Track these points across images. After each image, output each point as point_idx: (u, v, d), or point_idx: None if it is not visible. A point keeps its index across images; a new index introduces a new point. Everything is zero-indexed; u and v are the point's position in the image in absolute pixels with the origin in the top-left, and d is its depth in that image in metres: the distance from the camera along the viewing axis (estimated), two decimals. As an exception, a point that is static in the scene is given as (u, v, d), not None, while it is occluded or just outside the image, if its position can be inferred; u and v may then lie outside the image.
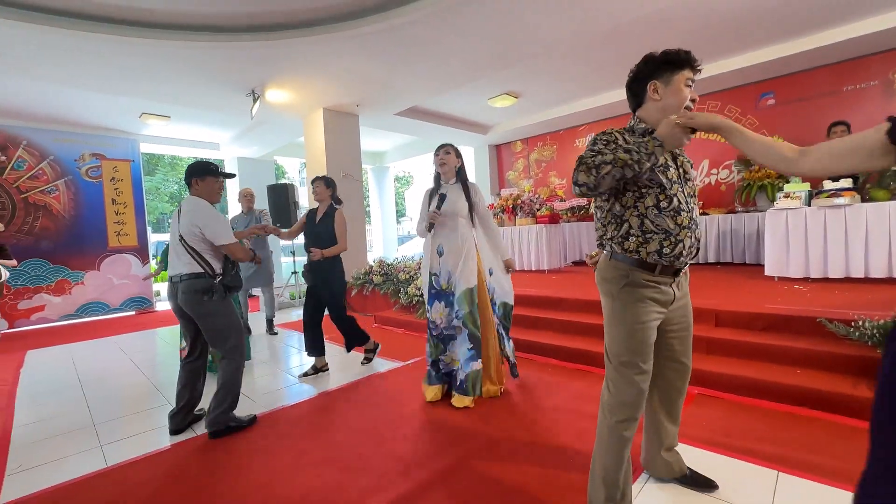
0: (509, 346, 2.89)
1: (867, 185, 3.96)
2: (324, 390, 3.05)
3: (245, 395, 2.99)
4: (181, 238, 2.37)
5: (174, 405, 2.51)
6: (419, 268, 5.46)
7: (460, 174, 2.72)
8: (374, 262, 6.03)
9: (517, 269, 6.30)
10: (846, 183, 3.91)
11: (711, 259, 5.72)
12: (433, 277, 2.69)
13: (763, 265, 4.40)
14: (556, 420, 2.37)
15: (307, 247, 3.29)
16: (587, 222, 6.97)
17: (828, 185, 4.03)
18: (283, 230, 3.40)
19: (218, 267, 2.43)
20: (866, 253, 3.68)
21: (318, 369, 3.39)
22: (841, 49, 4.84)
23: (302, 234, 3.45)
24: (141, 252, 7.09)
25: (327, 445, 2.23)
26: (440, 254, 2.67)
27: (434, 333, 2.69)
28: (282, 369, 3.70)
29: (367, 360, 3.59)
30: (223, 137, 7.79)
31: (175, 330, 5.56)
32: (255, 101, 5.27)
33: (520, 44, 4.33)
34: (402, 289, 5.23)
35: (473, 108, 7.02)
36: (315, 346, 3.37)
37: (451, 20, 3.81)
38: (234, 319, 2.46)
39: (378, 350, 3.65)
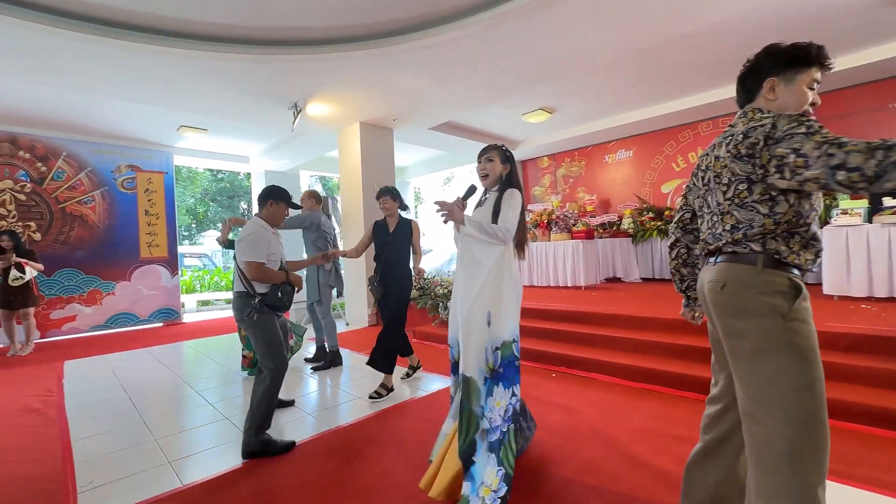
0: (495, 468, 1.71)
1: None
2: (384, 407, 2.95)
3: (306, 412, 2.90)
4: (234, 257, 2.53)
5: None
6: (457, 282, 5.38)
7: (507, 181, 2.08)
8: (408, 275, 5.96)
9: (550, 284, 6.22)
10: (909, 199, 3.82)
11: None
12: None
13: (815, 284, 4.28)
14: (647, 442, 2.25)
15: (378, 259, 3.27)
16: (620, 238, 6.89)
17: (888, 201, 3.94)
18: (346, 250, 3.33)
19: (262, 287, 2.44)
20: (936, 271, 3.56)
21: (389, 389, 3.16)
22: (887, 66, 4.81)
23: (371, 246, 3.43)
24: (170, 263, 7.09)
25: (405, 465, 2.12)
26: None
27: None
28: (336, 384, 3.60)
29: (408, 375, 3.58)
30: (254, 150, 7.85)
31: (208, 342, 5.50)
32: (297, 114, 5.30)
33: (566, 58, 4.34)
34: (441, 304, 5.15)
35: (506, 123, 7.03)
36: (389, 361, 3.17)
37: (502, 33, 3.81)
38: (272, 338, 2.41)
39: (419, 368, 3.64)
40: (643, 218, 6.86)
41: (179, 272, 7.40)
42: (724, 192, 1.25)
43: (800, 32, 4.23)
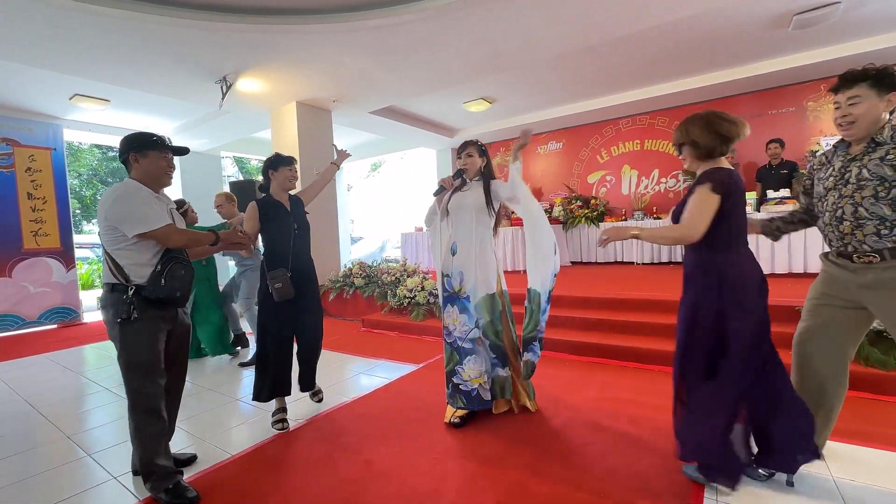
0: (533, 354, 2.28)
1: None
2: (330, 408, 2.91)
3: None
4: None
5: None
6: (404, 269, 5.38)
7: (485, 173, 2.51)
8: (352, 263, 5.81)
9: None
10: (786, 192, 4.61)
11: (665, 259, 6.33)
12: (445, 279, 2.44)
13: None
14: (604, 410, 2.51)
15: (286, 248, 2.50)
16: (552, 225, 7.33)
17: (771, 193, 4.71)
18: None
19: (138, 274, 1.77)
20: (805, 252, 4.37)
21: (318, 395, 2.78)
22: (766, 79, 5.68)
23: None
24: (65, 255, 6.11)
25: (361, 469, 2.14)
26: (453, 253, 2.43)
27: (448, 341, 2.42)
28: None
29: (319, 399, 2.78)
30: (167, 128, 6.98)
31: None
32: (226, 90, 4.83)
33: (513, 51, 4.48)
34: (389, 291, 5.11)
35: (446, 111, 7.08)
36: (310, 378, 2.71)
37: (458, 21, 3.81)
38: (140, 354, 1.78)
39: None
40: (572, 206, 7.39)
41: (76, 265, 6.40)
42: None
43: (712, 46, 4.82)
